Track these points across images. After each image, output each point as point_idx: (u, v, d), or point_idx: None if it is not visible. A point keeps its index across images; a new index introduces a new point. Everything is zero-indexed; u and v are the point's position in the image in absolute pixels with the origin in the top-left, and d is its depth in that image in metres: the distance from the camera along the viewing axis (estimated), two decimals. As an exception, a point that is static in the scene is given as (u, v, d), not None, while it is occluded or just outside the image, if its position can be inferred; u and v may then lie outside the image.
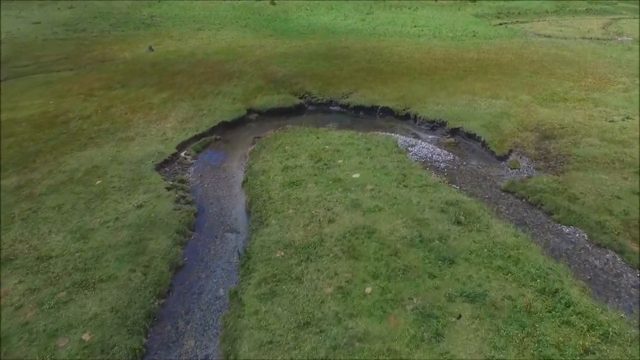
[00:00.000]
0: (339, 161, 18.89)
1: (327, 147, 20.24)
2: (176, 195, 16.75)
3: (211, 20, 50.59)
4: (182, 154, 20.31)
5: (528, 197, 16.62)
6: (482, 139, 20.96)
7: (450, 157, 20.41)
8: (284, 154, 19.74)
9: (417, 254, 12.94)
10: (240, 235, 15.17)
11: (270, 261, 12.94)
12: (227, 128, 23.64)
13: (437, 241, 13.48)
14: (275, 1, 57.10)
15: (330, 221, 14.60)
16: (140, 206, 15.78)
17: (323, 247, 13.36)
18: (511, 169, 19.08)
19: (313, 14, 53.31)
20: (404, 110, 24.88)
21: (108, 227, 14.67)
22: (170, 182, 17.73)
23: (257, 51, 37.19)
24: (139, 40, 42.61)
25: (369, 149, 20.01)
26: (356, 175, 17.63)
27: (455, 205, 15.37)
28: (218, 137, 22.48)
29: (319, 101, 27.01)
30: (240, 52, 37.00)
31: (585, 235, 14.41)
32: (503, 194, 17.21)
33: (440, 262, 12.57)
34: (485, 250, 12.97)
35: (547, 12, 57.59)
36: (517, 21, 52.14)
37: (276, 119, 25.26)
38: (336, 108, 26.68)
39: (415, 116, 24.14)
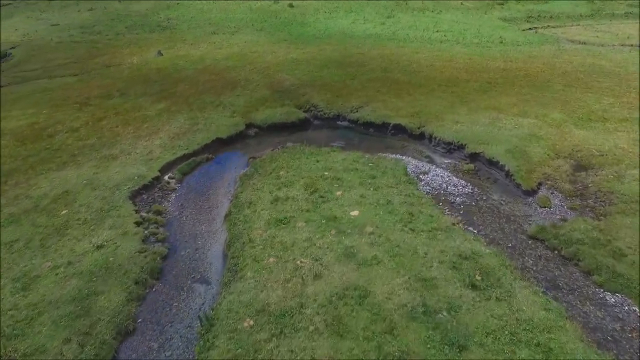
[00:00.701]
0: (338, 193, 16.03)
1: (326, 173, 17.41)
2: (146, 232, 14.24)
3: (227, 23, 48.26)
4: (166, 177, 17.83)
5: (561, 248, 13.37)
6: (507, 168, 17.69)
7: (469, 189, 17.23)
8: (277, 180, 17.01)
9: (419, 332, 10.00)
10: (210, 288, 12.51)
11: (236, 333, 10.22)
12: (221, 145, 21.08)
13: (445, 313, 10.49)
14: (294, 4, 54.38)
15: (317, 276, 11.80)
16: (100, 247, 13.33)
17: (302, 316, 10.57)
18: (540, 207, 15.78)
19: (331, 17, 50.36)
20: (419, 128, 21.78)
21: (57, 274, 12.27)
22: (144, 214, 15.24)
23: (268, 57, 34.55)
24: (151, 43, 40.63)
25: (374, 177, 17.07)
26: (355, 213, 14.74)
27: (471, 260, 12.31)
28: (210, 156, 19.92)
29: (326, 115, 24.14)
30: (251, 58, 34.45)
31: (637, 310, 11.12)
32: (530, 242, 13.97)
33: (447, 347, 9.60)
34: (507, 333, 9.91)
35: (581, 15, 52.84)
36: (548, 26, 47.80)
37: (277, 135, 22.56)
38: (344, 123, 23.78)
39: (431, 136, 21.03)
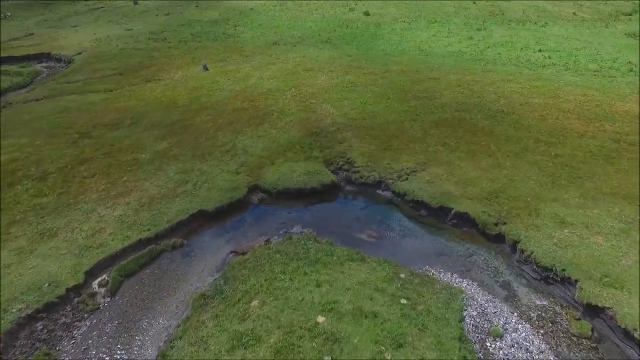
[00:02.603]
0: (326, 378, 8.51)
1: (321, 319, 9.86)
2: None
3: (292, 32, 41.52)
4: (95, 283, 11.52)
5: None
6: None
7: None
8: (240, 326, 9.76)
9: None
10: None
11: None
12: (205, 221, 14.35)
13: None
14: (370, 11, 46.05)
15: None
16: None
17: None
18: None
19: (410, 28, 41.28)
20: (496, 225, 13.15)
21: None
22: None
23: (320, 79, 27.16)
24: (206, 54, 35.26)
25: (403, 338, 9.20)
26: None
27: None
28: (180, 241, 13.24)
29: (363, 179, 16.26)
30: (300, 78, 27.31)
31: None
32: None
33: None
34: None
35: None
36: (695, 45, 34.33)
37: (288, 207, 15.28)
38: (386, 194, 15.75)
39: (515, 245, 12.39)
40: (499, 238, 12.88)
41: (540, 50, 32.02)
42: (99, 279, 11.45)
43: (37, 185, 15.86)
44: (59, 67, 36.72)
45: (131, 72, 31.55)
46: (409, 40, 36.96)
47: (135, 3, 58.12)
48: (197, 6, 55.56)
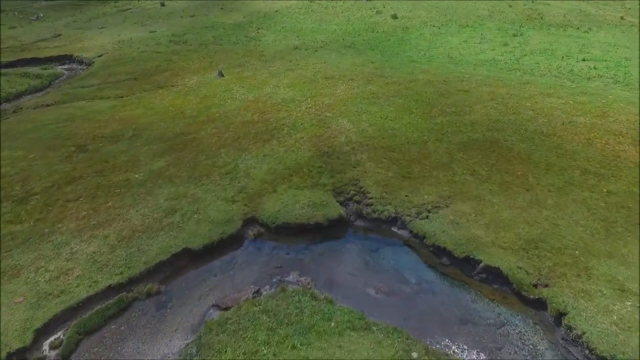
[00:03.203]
0: None
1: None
2: None
3: (315, 36, 39.12)
4: (47, 343, 9.62)
5: None
6: None
7: None
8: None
9: None
10: None
11: None
12: (190, 260, 12.31)
13: None
14: (398, 14, 43.06)
15: None
16: None
17: None
18: None
19: (440, 33, 38.13)
20: (535, 286, 10.46)
21: None
22: None
23: (339, 88, 24.73)
24: (225, 58, 33.38)
25: None
26: None
27: None
28: (156, 287, 11.21)
29: (376, 214, 13.78)
30: (318, 88, 24.95)
31: None
32: None
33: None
34: None
35: None
36: None
37: (287, 245, 13.02)
38: (402, 234, 13.25)
39: (560, 318, 9.71)
40: (539, 304, 10.20)
41: (584, 60, 28.43)
42: (52, 338, 9.54)
43: (16, 208, 14.22)
44: (80, 69, 35.77)
45: (146, 77, 30.07)
46: (438, 47, 33.94)
47: (162, 5, 57.19)
48: (222, 8, 54.04)
